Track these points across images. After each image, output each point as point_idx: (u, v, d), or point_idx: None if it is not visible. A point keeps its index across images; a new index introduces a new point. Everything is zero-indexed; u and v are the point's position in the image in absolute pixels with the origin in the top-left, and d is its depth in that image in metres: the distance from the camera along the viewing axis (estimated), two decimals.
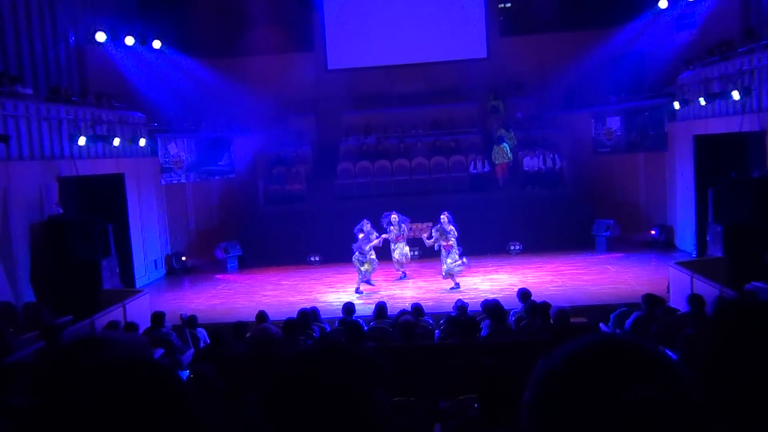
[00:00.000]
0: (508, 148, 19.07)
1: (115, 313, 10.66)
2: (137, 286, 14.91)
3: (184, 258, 17.75)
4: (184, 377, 4.97)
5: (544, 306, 8.97)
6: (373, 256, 14.19)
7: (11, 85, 13.35)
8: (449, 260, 13.65)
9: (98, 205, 14.48)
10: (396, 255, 14.52)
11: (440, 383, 7.17)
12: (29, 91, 14.10)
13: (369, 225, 14.29)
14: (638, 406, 0.96)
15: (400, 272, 14.89)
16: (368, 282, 14.14)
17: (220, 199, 19.52)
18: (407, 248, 14.66)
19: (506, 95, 21.10)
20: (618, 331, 8.96)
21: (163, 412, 1.04)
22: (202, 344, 9.76)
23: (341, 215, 16.49)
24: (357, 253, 14.10)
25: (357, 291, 13.77)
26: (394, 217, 14.48)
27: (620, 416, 0.96)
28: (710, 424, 1.01)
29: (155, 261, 17.21)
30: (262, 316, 9.82)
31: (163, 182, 17.51)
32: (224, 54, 20.27)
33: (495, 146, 19.22)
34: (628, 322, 8.74)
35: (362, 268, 14.08)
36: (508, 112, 20.95)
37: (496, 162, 19.16)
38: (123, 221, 15.22)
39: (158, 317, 9.66)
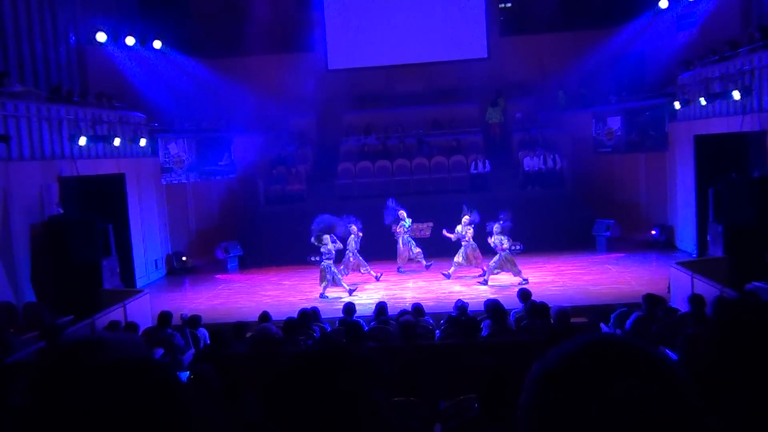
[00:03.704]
0: (500, 111, 20.61)
1: (116, 313, 10.66)
2: (138, 286, 14.91)
3: (184, 258, 17.75)
4: (185, 378, 4.97)
5: (544, 306, 8.96)
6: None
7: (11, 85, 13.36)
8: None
9: (99, 205, 14.46)
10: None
11: (441, 383, 7.17)
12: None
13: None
14: (631, 404, 0.97)
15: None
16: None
17: (220, 199, 19.52)
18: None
19: (507, 96, 21.12)
20: (618, 331, 8.96)
21: (162, 412, 1.03)
22: (202, 345, 9.75)
23: (342, 215, 16.48)
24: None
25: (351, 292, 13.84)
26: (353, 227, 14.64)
27: (614, 414, 0.96)
28: (706, 421, 1.01)
29: (156, 261, 17.21)
30: (265, 316, 9.84)
31: (163, 182, 17.52)
32: (224, 54, 20.28)
33: (490, 108, 20.63)
34: (628, 322, 8.73)
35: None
36: (509, 112, 21.02)
37: (490, 121, 20.76)
38: (123, 221, 15.21)
39: (165, 317, 9.62)
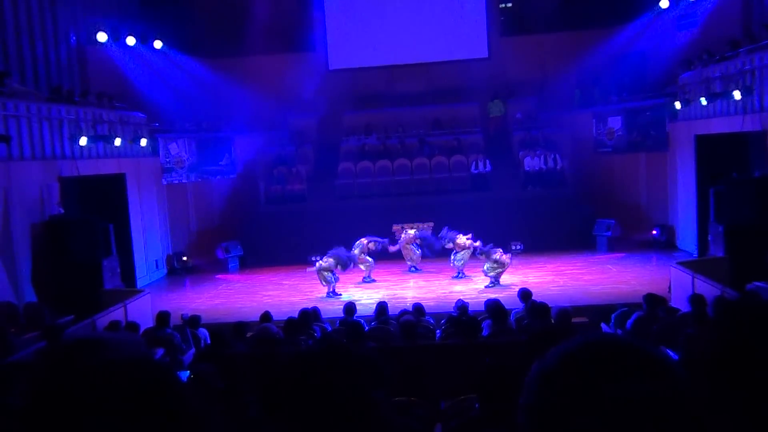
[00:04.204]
0: (501, 105, 20.91)
1: (117, 313, 10.66)
2: (138, 286, 14.91)
3: (185, 258, 17.75)
4: (185, 378, 4.97)
5: (545, 306, 8.96)
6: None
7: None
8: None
9: (99, 205, 14.48)
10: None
11: (441, 383, 7.17)
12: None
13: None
14: (632, 404, 0.97)
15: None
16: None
17: (221, 199, 19.52)
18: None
19: (507, 96, 21.12)
20: (619, 331, 8.96)
21: (160, 412, 1.03)
22: (203, 344, 9.76)
23: (342, 215, 16.53)
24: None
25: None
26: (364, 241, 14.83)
27: (614, 414, 0.96)
28: (706, 421, 1.01)
29: (156, 261, 17.21)
30: (266, 315, 9.85)
31: (164, 182, 17.52)
32: (225, 54, 20.27)
33: (490, 103, 20.91)
34: (629, 322, 8.73)
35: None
36: (509, 112, 21.03)
37: (491, 115, 21.00)
38: (124, 221, 15.21)
39: (164, 317, 9.64)
